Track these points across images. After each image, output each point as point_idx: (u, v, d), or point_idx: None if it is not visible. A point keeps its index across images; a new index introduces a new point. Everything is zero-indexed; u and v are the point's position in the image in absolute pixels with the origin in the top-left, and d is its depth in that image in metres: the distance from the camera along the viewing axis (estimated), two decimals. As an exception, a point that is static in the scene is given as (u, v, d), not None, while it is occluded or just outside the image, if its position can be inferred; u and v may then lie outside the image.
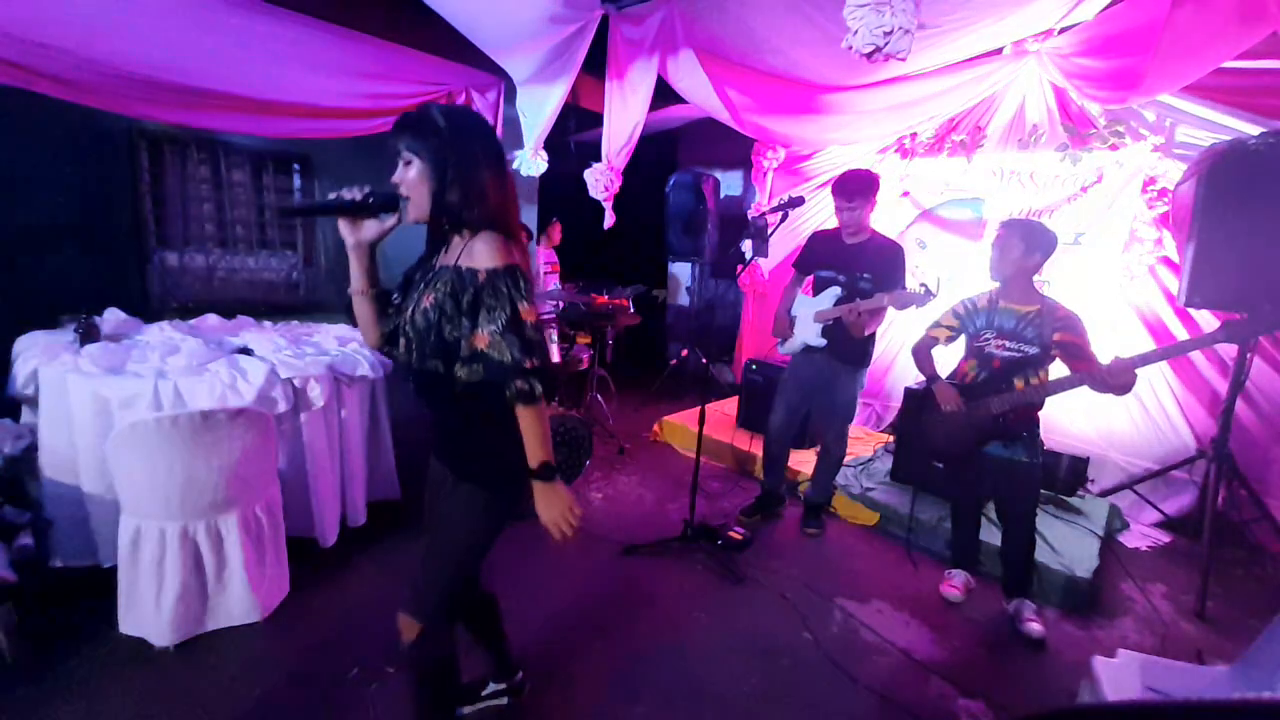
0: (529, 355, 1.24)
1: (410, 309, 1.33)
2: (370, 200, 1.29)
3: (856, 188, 2.73)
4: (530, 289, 1.28)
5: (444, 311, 1.27)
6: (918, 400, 2.63)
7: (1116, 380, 2.05)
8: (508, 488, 1.40)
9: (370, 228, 1.32)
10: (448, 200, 1.27)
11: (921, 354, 2.54)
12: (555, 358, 3.53)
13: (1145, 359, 2.07)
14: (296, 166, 4.08)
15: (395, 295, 1.42)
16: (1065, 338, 2.24)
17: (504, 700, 1.85)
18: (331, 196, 1.27)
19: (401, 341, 1.36)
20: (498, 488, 1.39)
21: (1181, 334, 3.34)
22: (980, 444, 2.39)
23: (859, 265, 2.81)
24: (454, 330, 1.27)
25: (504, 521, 1.43)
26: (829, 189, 2.90)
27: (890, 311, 2.74)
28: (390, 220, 1.32)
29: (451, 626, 1.53)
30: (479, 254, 1.25)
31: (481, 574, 1.63)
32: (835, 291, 2.85)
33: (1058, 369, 2.30)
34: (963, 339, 2.50)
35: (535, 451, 1.30)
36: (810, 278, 3.01)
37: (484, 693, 1.84)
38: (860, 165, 4.32)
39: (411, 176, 1.28)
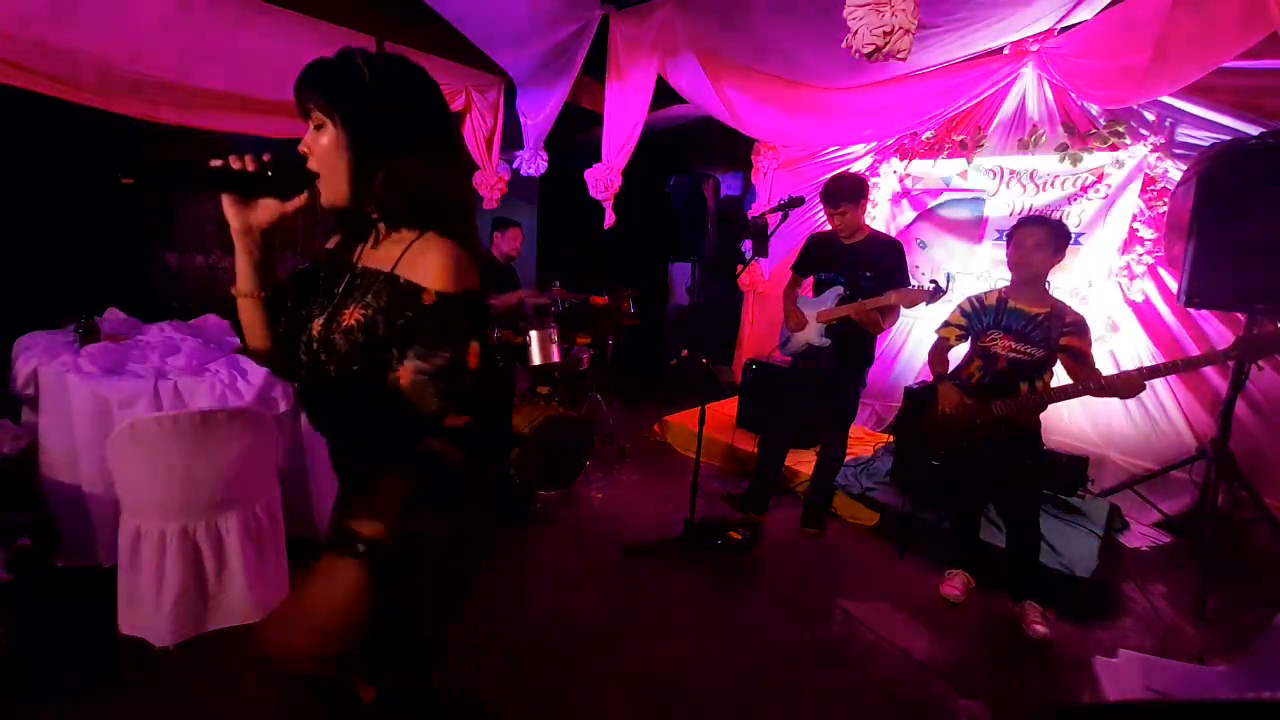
0: (457, 410, 0.93)
1: (320, 320, 1.00)
2: (268, 172, 0.94)
3: (842, 193, 2.71)
4: (486, 321, 1.01)
5: (375, 334, 0.94)
6: (916, 401, 2.62)
7: (1125, 391, 2.09)
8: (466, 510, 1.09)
9: (266, 209, 0.97)
10: (373, 184, 0.95)
11: (935, 356, 2.54)
12: (555, 358, 3.53)
13: (1155, 372, 2.11)
14: (296, 166, 4.07)
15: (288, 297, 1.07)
16: (1072, 343, 2.22)
17: None
18: (214, 163, 0.92)
19: (303, 359, 1.02)
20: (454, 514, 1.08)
21: (1182, 334, 3.34)
22: (981, 444, 2.39)
23: (860, 264, 2.79)
24: (386, 356, 0.96)
25: (472, 551, 1.14)
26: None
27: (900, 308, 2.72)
28: (295, 201, 0.97)
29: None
30: (427, 268, 0.94)
31: None
32: (838, 291, 2.84)
33: (1060, 372, 2.29)
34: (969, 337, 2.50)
35: (371, 524, 0.89)
36: (809, 279, 3.01)
37: None
38: (859, 166, 4.35)
39: (324, 145, 0.95)
